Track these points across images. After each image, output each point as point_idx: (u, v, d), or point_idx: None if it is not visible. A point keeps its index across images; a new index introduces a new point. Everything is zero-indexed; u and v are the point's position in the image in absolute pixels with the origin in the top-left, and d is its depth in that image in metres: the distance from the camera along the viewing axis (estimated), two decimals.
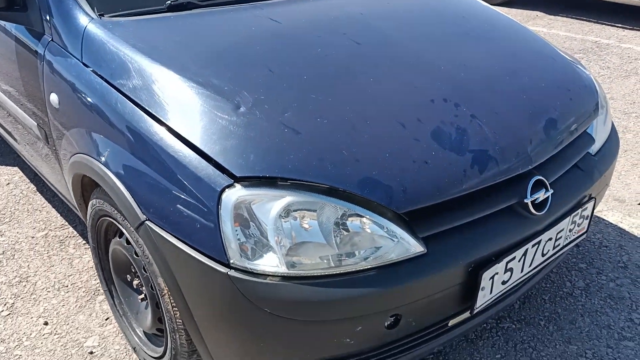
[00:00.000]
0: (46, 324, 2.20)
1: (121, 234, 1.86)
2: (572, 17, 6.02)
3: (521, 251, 1.61)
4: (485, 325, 2.13)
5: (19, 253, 2.57)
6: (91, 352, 2.07)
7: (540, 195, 1.63)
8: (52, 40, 1.94)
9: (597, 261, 2.43)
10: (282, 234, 1.39)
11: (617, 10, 6.23)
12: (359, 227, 1.43)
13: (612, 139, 2.08)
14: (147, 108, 1.60)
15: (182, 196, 1.46)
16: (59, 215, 2.84)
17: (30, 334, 2.15)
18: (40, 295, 2.33)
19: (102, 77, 1.74)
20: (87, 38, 1.82)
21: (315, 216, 1.41)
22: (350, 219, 1.43)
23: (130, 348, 2.08)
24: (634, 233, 2.59)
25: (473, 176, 1.54)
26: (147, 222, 1.53)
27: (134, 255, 1.77)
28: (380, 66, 1.80)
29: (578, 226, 1.81)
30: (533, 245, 1.65)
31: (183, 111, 1.57)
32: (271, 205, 1.40)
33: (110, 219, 1.82)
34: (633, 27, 5.57)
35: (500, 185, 1.60)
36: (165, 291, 1.60)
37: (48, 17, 1.94)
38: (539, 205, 1.65)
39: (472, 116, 1.66)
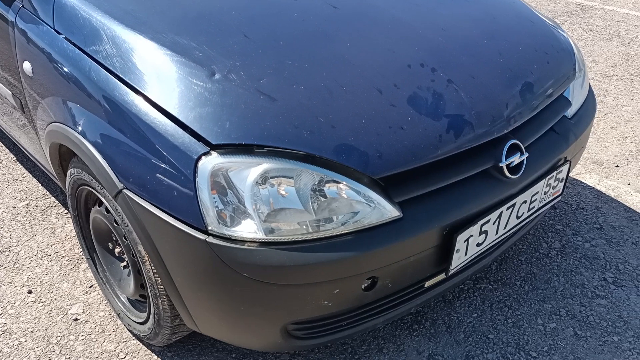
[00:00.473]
0: (30, 292, 2.21)
1: (101, 203, 1.86)
2: None
3: (496, 214, 1.65)
4: (462, 286, 2.18)
5: (0, 223, 2.56)
6: (76, 319, 2.10)
7: (516, 159, 1.65)
8: (22, 6, 1.90)
9: (574, 223, 2.48)
10: (259, 201, 1.41)
11: None
12: (336, 193, 1.45)
13: (589, 102, 2.09)
14: (121, 75, 1.58)
15: (159, 164, 1.46)
16: (39, 184, 2.83)
17: (15, 303, 2.17)
18: (23, 265, 2.34)
19: (74, 45, 1.71)
20: (58, 4, 1.79)
21: (292, 183, 1.43)
22: (327, 185, 1.45)
23: (114, 314, 2.11)
24: (610, 195, 2.64)
25: (449, 141, 1.56)
26: (124, 190, 1.54)
27: (114, 224, 1.78)
28: (357, 31, 1.79)
29: (553, 189, 1.85)
30: (508, 208, 1.68)
31: (158, 78, 1.56)
32: (248, 172, 1.41)
33: (89, 188, 1.82)
34: None
35: (475, 149, 1.62)
36: (146, 258, 1.62)
37: None
38: (514, 169, 1.67)
39: (449, 81, 1.66)
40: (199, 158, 1.41)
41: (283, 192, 1.42)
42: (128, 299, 2.02)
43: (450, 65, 1.71)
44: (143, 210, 1.51)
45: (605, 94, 3.54)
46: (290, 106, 1.50)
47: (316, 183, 1.44)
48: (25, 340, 2.02)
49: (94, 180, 1.73)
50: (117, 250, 1.96)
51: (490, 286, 2.18)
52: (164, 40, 1.63)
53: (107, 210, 1.81)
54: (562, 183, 1.88)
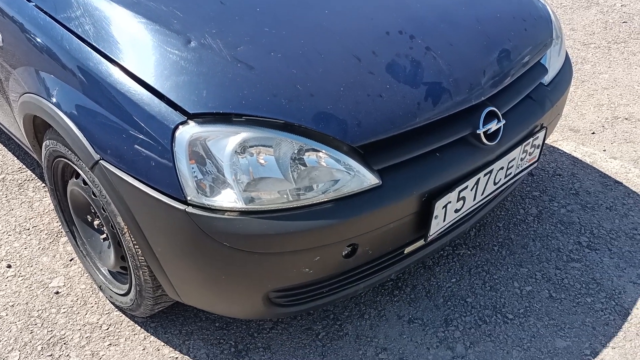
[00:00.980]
0: (9, 266, 2.20)
1: (78, 175, 1.84)
2: None
3: (473, 180, 1.67)
4: (441, 252, 2.22)
5: None
6: (57, 292, 2.10)
7: (493, 126, 1.67)
8: None
9: (550, 189, 2.52)
10: (239, 170, 1.40)
11: None
12: (316, 162, 1.45)
13: (566, 69, 2.11)
14: (94, 44, 1.55)
15: (136, 134, 1.45)
16: (15, 158, 2.78)
17: None
18: (1, 239, 2.32)
19: (45, 12, 1.67)
20: None
21: (271, 152, 1.42)
22: (306, 153, 1.45)
23: (96, 287, 2.11)
24: (586, 161, 2.69)
25: (427, 109, 1.56)
26: (101, 161, 1.52)
27: (92, 196, 1.76)
28: None
29: (529, 155, 1.87)
30: (485, 175, 1.70)
31: (132, 47, 1.53)
32: (226, 141, 1.40)
33: (66, 160, 1.80)
34: None
35: (453, 116, 1.63)
36: (126, 230, 1.62)
37: None
38: (491, 136, 1.69)
39: (427, 48, 1.66)
40: (176, 128, 1.40)
41: (262, 161, 1.42)
42: (109, 271, 2.02)
43: (429, 32, 1.71)
44: (121, 182, 1.50)
45: (583, 61, 3.57)
46: (268, 74, 1.49)
47: (296, 152, 1.44)
48: (6, 314, 2.02)
49: (70, 152, 1.71)
50: (96, 222, 1.95)
51: (469, 252, 2.22)
52: (138, 7, 1.59)
53: (85, 182, 1.79)
54: (538, 149, 1.91)
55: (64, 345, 1.91)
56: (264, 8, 1.67)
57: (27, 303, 2.06)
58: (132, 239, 1.62)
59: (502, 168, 1.76)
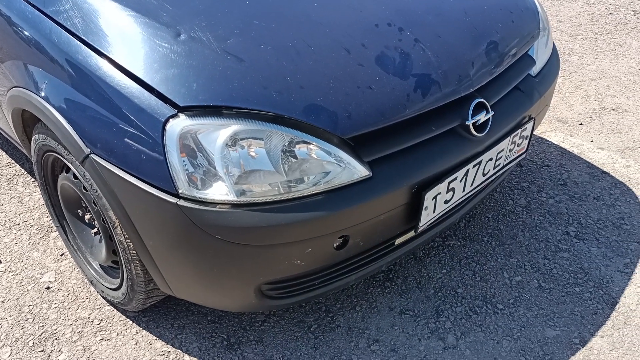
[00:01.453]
0: (0, 262, 2.19)
1: (68, 169, 1.84)
2: None
3: (462, 171, 1.68)
4: (432, 243, 2.24)
5: None
6: (48, 288, 2.09)
7: (481, 117, 1.68)
8: None
9: (539, 180, 2.55)
10: (230, 163, 1.41)
11: None
12: (307, 154, 1.46)
13: (553, 60, 2.13)
14: (83, 37, 1.54)
15: (127, 128, 1.44)
16: (4, 153, 2.76)
17: None
18: None
19: (33, 6, 1.66)
20: None
21: (262, 144, 1.43)
22: (297, 146, 1.45)
23: (87, 282, 2.11)
24: (574, 152, 2.71)
25: (416, 100, 1.57)
26: (91, 155, 1.52)
27: (83, 190, 1.76)
28: None
29: (518, 146, 1.89)
30: (474, 166, 1.72)
31: (122, 40, 1.52)
32: (217, 134, 1.40)
33: (55, 154, 1.80)
34: None
35: (442, 108, 1.64)
36: (117, 224, 1.61)
37: None
38: (479, 127, 1.70)
39: (416, 40, 1.67)
40: (167, 121, 1.40)
41: (253, 154, 1.43)
42: (100, 265, 2.01)
43: (417, 24, 1.72)
44: (112, 176, 1.50)
45: (570, 53, 3.59)
46: (258, 67, 1.49)
47: (286, 144, 1.44)
48: None
49: (59, 146, 1.70)
50: (87, 216, 1.95)
51: (459, 243, 2.24)
52: (127, 0, 1.59)
53: (75, 177, 1.79)
54: (527, 140, 1.92)
55: (56, 341, 1.91)
56: (253, 1, 1.67)
57: (17, 299, 2.05)
58: (124, 232, 1.62)
59: (491, 159, 1.78)
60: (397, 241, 1.74)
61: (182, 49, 1.49)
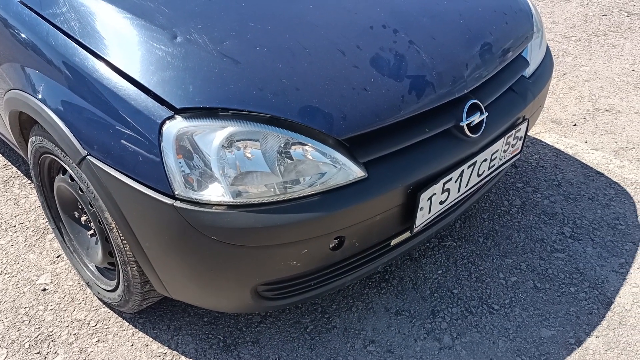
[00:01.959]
0: None
1: (65, 171, 1.84)
2: None
3: (457, 172, 1.69)
4: (427, 244, 2.25)
5: None
6: (44, 289, 2.09)
7: (476, 118, 1.69)
8: None
9: (534, 180, 2.56)
10: (226, 164, 1.41)
11: None
12: (302, 155, 1.47)
13: (547, 62, 2.14)
14: (80, 40, 1.55)
15: (123, 130, 1.45)
16: (0, 155, 2.76)
17: None
18: None
19: (30, 9, 1.67)
20: None
21: (258, 146, 1.44)
22: (293, 147, 1.46)
23: (83, 283, 2.11)
24: (568, 153, 2.73)
25: (411, 101, 1.58)
26: (88, 157, 1.52)
27: (79, 192, 1.76)
28: None
29: (512, 147, 1.90)
30: (469, 167, 1.73)
31: (118, 42, 1.53)
32: (213, 136, 1.41)
33: (52, 156, 1.80)
34: None
35: (437, 109, 1.65)
36: (113, 225, 1.62)
37: None
38: (474, 128, 1.71)
39: (410, 42, 1.68)
40: (163, 122, 1.41)
41: (249, 155, 1.43)
42: (97, 267, 2.02)
43: (412, 26, 1.73)
44: (108, 177, 1.50)
45: (564, 54, 3.61)
46: (254, 69, 1.50)
47: (282, 145, 1.45)
48: None
49: (56, 148, 1.71)
50: (83, 218, 1.95)
51: (455, 243, 2.25)
52: (124, 3, 1.60)
53: (72, 178, 1.79)
54: (521, 141, 1.94)
55: (52, 343, 1.91)
56: (249, 3, 1.68)
57: (14, 301, 2.05)
58: (120, 234, 1.62)
59: (485, 160, 1.79)
60: (393, 242, 1.75)
61: (179, 51, 1.50)
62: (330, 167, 1.48)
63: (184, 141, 1.40)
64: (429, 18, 1.77)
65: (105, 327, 1.96)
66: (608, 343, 1.88)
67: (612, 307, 1.99)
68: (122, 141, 1.45)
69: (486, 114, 1.72)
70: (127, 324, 1.97)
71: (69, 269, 2.17)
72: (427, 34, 1.72)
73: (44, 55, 1.61)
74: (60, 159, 1.74)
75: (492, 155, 1.80)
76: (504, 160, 1.90)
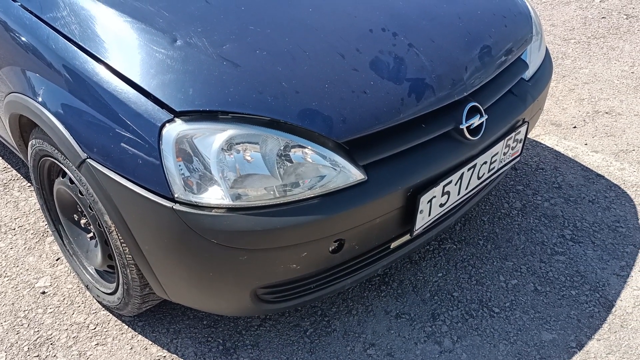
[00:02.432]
0: None
1: (64, 174, 1.84)
2: None
3: (457, 175, 1.69)
4: (427, 247, 2.25)
5: None
6: (43, 292, 2.09)
7: (475, 121, 1.69)
8: None
9: (534, 183, 2.56)
10: (225, 167, 1.41)
11: None
12: (302, 158, 1.47)
13: (546, 64, 2.14)
14: (80, 43, 1.55)
15: (123, 133, 1.45)
16: (0, 158, 2.76)
17: None
18: None
19: (31, 12, 1.67)
20: None
21: (257, 149, 1.44)
22: (292, 150, 1.46)
23: (82, 286, 2.11)
24: (568, 155, 2.73)
25: (410, 104, 1.58)
26: (88, 160, 1.52)
27: (79, 194, 1.76)
28: None
29: (512, 149, 1.90)
30: (469, 169, 1.73)
31: (118, 45, 1.53)
32: (213, 139, 1.41)
33: (52, 159, 1.80)
34: None
35: (436, 112, 1.65)
36: (113, 228, 1.62)
37: None
38: (474, 131, 1.71)
39: (410, 45, 1.68)
40: (163, 125, 1.41)
41: (249, 158, 1.43)
42: (96, 270, 2.01)
43: (411, 29, 1.73)
44: (108, 180, 1.50)
45: (563, 56, 3.62)
46: (253, 72, 1.50)
47: (282, 148, 1.45)
48: None
49: (56, 151, 1.71)
50: (82, 221, 1.95)
51: (455, 246, 2.25)
52: (124, 6, 1.60)
53: (71, 181, 1.79)
54: (521, 144, 1.94)
55: (51, 346, 1.91)
56: (248, 6, 1.68)
57: (13, 304, 2.05)
58: (120, 237, 1.62)
59: (485, 162, 1.79)
60: (393, 245, 1.75)
61: (178, 54, 1.50)
62: (330, 170, 1.48)
63: (183, 144, 1.40)
64: (428, 21, 1.77)
65: (105, 330, 1.96)
66: (609, 346, 1.87)
67: (613, 310, 1.99)
68: (122, 144, 1.45)
69: (486, 116, 1.72)
70: (126, 327, 1.97)
71: (69, 271, 2.17)
72: (426, 37, 1.72)
73: (44, 59, 1.61)
74: (60, 162, 1.74)
75: (492, 157, 1.80)
76: (503, 163, 1.90)
